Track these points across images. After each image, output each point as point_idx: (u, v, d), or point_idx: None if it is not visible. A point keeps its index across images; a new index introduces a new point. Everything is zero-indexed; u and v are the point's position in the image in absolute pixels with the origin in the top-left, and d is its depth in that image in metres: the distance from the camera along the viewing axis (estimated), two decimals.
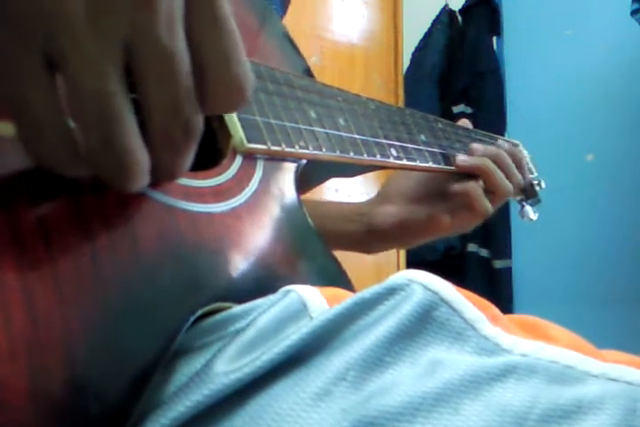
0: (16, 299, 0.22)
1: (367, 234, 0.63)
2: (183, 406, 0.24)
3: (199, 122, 0.27)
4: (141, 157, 0.25)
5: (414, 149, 0.55)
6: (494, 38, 2.49)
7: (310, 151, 0.42)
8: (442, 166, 0.59)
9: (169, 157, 0.27)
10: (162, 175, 0.28)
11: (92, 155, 0.25)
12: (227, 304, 0.31)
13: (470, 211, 0.61)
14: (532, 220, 0.70)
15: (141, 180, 0.26)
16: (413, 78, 2.28)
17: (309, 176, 0.46)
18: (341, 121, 0.47)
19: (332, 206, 0.70)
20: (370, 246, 0.66)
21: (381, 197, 0.65)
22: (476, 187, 0.60)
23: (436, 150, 0.59)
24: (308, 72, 0.52)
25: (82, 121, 0.24)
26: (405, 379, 0.24)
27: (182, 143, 0.27)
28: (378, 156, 0.49)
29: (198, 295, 0.29)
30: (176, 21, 0.25)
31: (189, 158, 0.28)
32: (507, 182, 0.62)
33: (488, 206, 0.61)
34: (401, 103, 1.79)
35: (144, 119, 0.26)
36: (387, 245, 0.66)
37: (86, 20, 0.23)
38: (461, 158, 0.61)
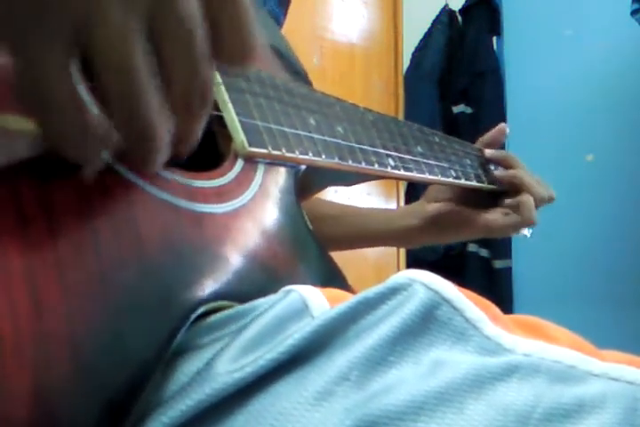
0: (21, 292, 0.23)
1: (420, 228, 0.71)
2: (185, 405, 0.24)
3: (212, 85, 0.28)
4: (166, 130, 0.26)
5: (411, 160, 0.56)
6: (494, 38, 2.49)
7: (310, 157, 0.43)
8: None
9: (187, 123, 0.28)
10: (177, 144, 0.29)
11: (119, 126, 0.26)
12: (228, 303, 0.31)
13: (520, 216, 0.68)
14: (525, 236, 0.72)
15: (165, 153, 0.27)
16: (413, 78, 2.28)
17: (308, 183, 0.47)
18: (340, 129, 0.48)
19: (375, 210, 0.80)
20: (417, 239, 0.73)
21: (429, 196, 0.73)
22: (527, 195, 0.68)
23: (432, 162, 0.59)
24: (306, 80, 0.53)
25: (110, 95, 0.25)
26: (408, 378, 0.24)
27: (199, 108, 0.28)
28: (376, 165, 0.50)
29: (200, 294, 0.30)
30: None
31: (202, 125, 0.29)
32: (543, 191, 0.69)
33: (535, 216, 0.68)
34: (401, 103, 1.79)
35: (166, 88, 0.27)
36: (436, 239, 0.74)
37: None
38: (497, 172, 0.70)
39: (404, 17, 1.85)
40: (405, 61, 2.09)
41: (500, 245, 2.27)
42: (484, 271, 2.27)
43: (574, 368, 0.23)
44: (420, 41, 2.46)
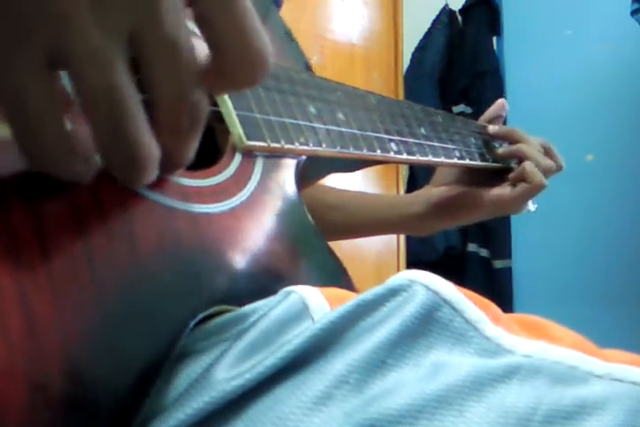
0: (12, 307, 0.22)
1: (427, 214, 0.70)
2: (184, 413, 0.24)
3: (205, 108, 0.27)
4: (153, 150, 0.26)
5: (414, 143, 0.55)
6: (494, 38, 2.48)
7: (310, 147, 0.42)
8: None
9: (176, 144, 0.27)
10: (168, 164, 0.28)
11: (103, 150, 0.25)
12: (228, 307, 0.31)
13: (528, 183, 0.67)
14: (530, 211, 0.71)
15: (152, 173, 0.26)
16: (413, 78, 2.28)
17: (309, 172, 0.46)
18: (341, 116, 0.47)
19: (382, 197, 0.80)
20: (429, 226, 0.72)
21: (435, 181, 0.72)
22: (529, 162, 0.67)
23: (436, 144, 0.59)
24: (309, 68, 0.52)
25: (91, 116, 0.24)
26: (408, 381, 0.23)
27: (188, 130, 0.27)
28: (378, 150, 0.49)
29: (199, 297, 0.29)
30: (179, 8, 0.25)
31: (194, 146, 0.28)
32: (547, 161, 0.69)
33: (542, 178, 0.67)
34: None
35: (151, 108, 0.26)
36: (446, 223, 0.73)
37: (90, 14, 0.23)
38: (500, 150, 0.70)
39: (404, 17, 1.84)
40: (405, 61, 2.09)
41: (500, 245, 2.27)
42: (484, 271, 2.27)
43: (576, 369, 0.23)
44: (420, 41, 2.46)
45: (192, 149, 0.28)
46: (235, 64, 0.27)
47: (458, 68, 2.41)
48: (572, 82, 2.27)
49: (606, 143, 2.17)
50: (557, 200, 1.89)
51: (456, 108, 2.36)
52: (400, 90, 1.80)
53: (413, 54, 2.43)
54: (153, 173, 0.26)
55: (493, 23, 2.47)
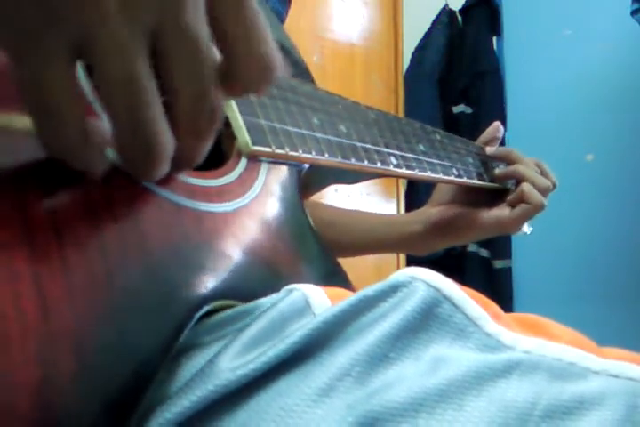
0: (27, 290, 0.23)
1: (426, 233, 0.71)
2: (188, 401, 0.24)
3: (221, 109, 0.28)
4: (168, 143, 0.26)
5: (414, 158, 0.56)
6: (494, 38, 2.49)
7: (313, 156, 0.43)
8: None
9: (192, 142, 0.28)
10: (182, 161, 0.28)
11: (119, 140, 0.25)
12: (231, 302, 0.31)
13: (528, 204, 0.67)
14: (526, 233, 0.72)
15: (165, 166, 0.27)
16: (413, 78, 2.28)
17: (311, 181, 0.47)
18: (343, 128, 0.48)
19: (381, 216, 0.80)
20: (428, 245, 0.73)
21: (433, 200, 0.73)
22: (526, 184, 0.68)
23: (434, 161, 0.59)
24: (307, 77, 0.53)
25: (111, 106, 0.25)
26: (409, 375, 0.24)
27: (206, 129, 0.28)
28: (378, 163, 0.50)
29: (203, 292, 0.30)
30: (200, 5, 0.25)
31: (209, 144, 0.29)
32: (544, 181, 0.69)
33: (542, 198, 0.67)
34: (401, 103, 1.79)
35: (171, 105, 0.26)
36: (445, 242, 0.73)
37: (117, 4, 0.23)
38: (497, 171, 0.71)
39: (404, 17, 1.85)
40: (405, 61, 2.09)
41: (500, 245, 2.27)
42: (484, 271, 2.27)
43: (574, 365, 0.23)
44: (420, 41, 2.46)
45: (206, 148, 0.29)
46: (243, 68, 0.27)
47: (458, 68, 2.41)
48: (572, 82, 2.27)
49: (606, 143, 2.17)
50: (557, 200, 1.89)
51: (456, 108, 2.36)
52: (400, 90, 1.80)
53: (413, 54, 2.43)
54: (166, 167, 0.27)
55: (493, 23, 2.47)
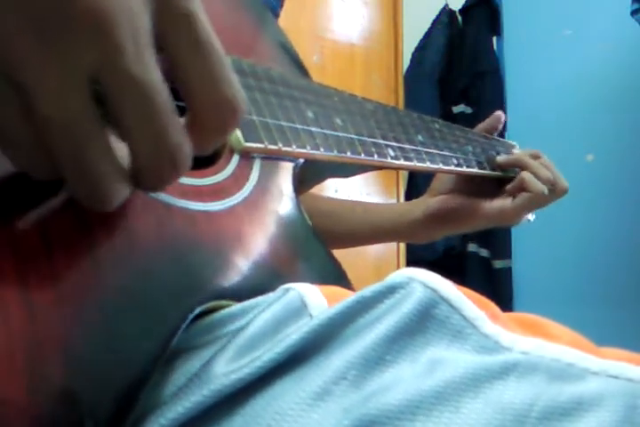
0: (14, 296, 0.22)
1: (425, 222, 0.71)
2: (182, 407, 0.24)
3: (187, 151, 0.25)
4: (118, 184, 0.24)
5: (412, 149, 0.55)
6: (494, 38, 2.49)
7: (307, 150, 0.42)
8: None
9: (155, 183, 0.26)
10: (145, 190, 0.27)
11: (68, 179, 0.24)
12: (225, 302, 0.31)
13: (528, 192, 0.67)
14: (529, 220, 0.71)
15: (118, 201, 0.25)
16: (413, 78, 2.28)
17: (307, 176, 0.46)
18: (338, 121, 0.47)
19: (379, 205, 0.80)
20: (428, 233, 0.73)
21: (433, 189, 0.72)
22: (526, 172, 0.68)
23: (433, 151, 0.59)
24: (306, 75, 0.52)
25: (54, 148, 0.23)
26: (406, 377, 0.23)
27: (169, 173, 0.26)
28: (375, 155, 0.49)
29: (196, 294, 0.29)
30: (144, 49, 0.23)
31: (175, 180, 0.27)
32: (546, 171, 0.68)
33: (543, 187, 0.66)
34: (401, 103, 1.79)
35: (128, 150, 0.25)
36: (445, 231, 0.73)
37: (42, 55, 0.22)
38: (500, 158, 0.70)
39: (404, 17, 1.85)
40: (405, 61, 2.09)
41: (500, 245, 2.27)
42: (484, 271, 2.27)
43: (573, 366, 0.23)
44: (420, 41, 2.46)
45: (171, 183, 0.27)
46: (204, 111, 0.26)
47: (458, 68, 2.41)
48: (572, 82, 2.27)
49: (606, 143, 2.17)
50: (557, 200, 1.88)
51: (456, 108, 2.36)
52: (400, 90, 1.80)
53: (413, 54, 2.43)
54: (118, 201, 0.25)
55: (493, 23, 2.47)
